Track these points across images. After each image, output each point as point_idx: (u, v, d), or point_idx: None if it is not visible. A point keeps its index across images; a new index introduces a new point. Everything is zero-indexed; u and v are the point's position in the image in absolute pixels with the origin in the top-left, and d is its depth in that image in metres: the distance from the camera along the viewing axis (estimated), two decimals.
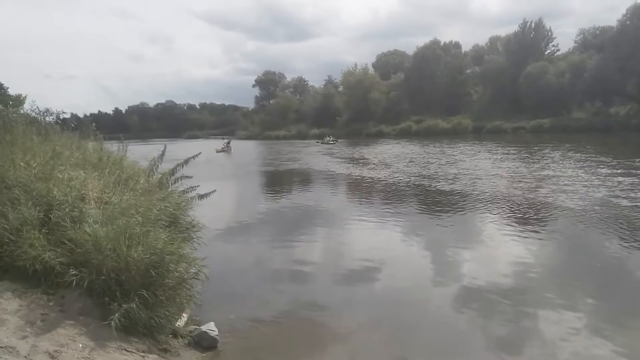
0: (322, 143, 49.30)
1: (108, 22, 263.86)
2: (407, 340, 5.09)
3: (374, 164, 25.05)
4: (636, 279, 6.69)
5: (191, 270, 4.76)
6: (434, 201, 13.49)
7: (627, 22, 46.53)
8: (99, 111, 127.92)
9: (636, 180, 14.38)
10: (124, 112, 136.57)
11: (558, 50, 63.21)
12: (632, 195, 12.13)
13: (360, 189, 17.15)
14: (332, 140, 49.62)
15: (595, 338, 4.91)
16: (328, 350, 4.94)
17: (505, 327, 5.29)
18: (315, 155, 34.44)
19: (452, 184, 15.95)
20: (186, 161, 7.88)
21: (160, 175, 7.35)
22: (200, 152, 8.98)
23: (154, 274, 4.12)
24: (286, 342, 5.12)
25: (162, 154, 7.98)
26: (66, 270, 4.10)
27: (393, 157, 27.86)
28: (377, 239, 9.48)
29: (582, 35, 62.36)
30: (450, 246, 8.68)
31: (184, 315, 4.91)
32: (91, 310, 4.16)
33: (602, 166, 18.35)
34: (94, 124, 8.56)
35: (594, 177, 15.49)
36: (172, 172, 7.57)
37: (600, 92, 48.22)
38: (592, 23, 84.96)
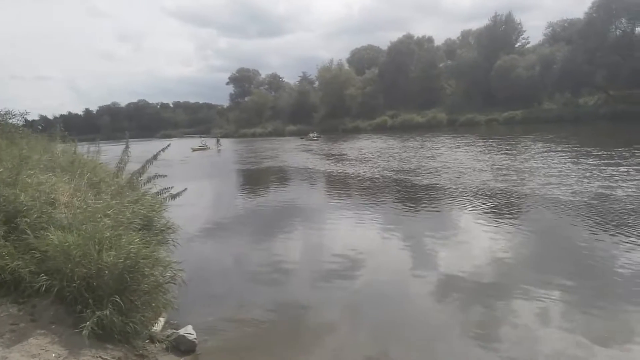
0: (306, 139, 49.71)
1: (79, 21, 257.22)
2: (389, 335, 5.11)
3: (353, 159, 25.12)
4: (608, 265, 6.87)
5: (167, 273, 4.67)
6: (413, 195, 13.60)
7: (594, 15, 47.68)
8: (69, 112, 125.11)
9: (606, 169, 14.80)
10: (94, 112, 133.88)
11: (528, 43, 64.61)
12: (604, 183, 12.45)
13: (340, 185, 17.18)
14: (315, 137, 50.12)
15: (571, 324, 5.04)
16: (310, 348, 4.92)
17: (484, 318, 5.38)
18: (294, 152, 34.36)
19: (430, 177, 16.12)
20: (155, 156, 7.63)
21: (129, 176, 7.15)
22: (170, 144, 8.77)
23: (128, 278, 4.03)
24: (267, 342, 5.08)
25: (126, 148, 7.74)
26: (36, 278, 3.97)
27: (372, 153, 27.98)
28: (357, 235, 9.50)
29: (551, 28, 63.58)
30: (430, 239, 8.78)
31: (161, 319, 4.83)
32: (64, 318, 4.04)
33: (573, 156, 18.84)
34: (61, 125, 8.32)
35: (565, 167, 15.88)
36: (141, 170, 7.35)
37: (570, 83, 49.36)
38: (561, 16, 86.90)
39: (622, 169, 14.46)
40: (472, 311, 5.59)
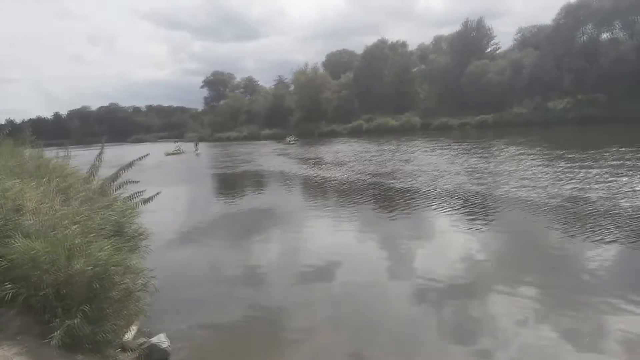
0: (284, 143, 49.97)
1: (48, 23, 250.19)
2: (366, 337, 5.15)
3: (329, 163, 25.21)
4: (578, 264, 7.09)
5: (139, 281, 4.58)
6: (389, 198, 13.72)
7: (562, 21, 49.19)
8: (38, 116, 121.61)
9: (577, 171, 15.25)
10: (64, 116, 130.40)
11: (499, 48, 66.25)
12: (575, 186, 12.82)
13: (317, 189, 17.20)
14: (293, 141, 50.42)
15: (543, 322, 5.19)
16: (287, 353, 4.92)
17: (459, 318, 5.49)
18: (271, 156, 34.23)
19: (406, 181, 16.31)
20: (131, 164, 7.49)
21: (101, 182, 6.98)
22: (149, 153, 8.65)
23: (97, 286, 3.93)
24: (243, 348, 5.04)
25: (100, 153, 7.57)
26: (1, 287, 3.83)
27: (348, 156, 28.12)
28: (334, 239, 9.54)
29: (520, 34, 65.37)
30: (406, 242, 8.90)
31: (133, 328, 4.74)
32: (31, 328, 3.91)
33: (544, 159, 19.38)
34: (29, 129, 8.08)
35: (537, 170, 16.29)
36: (114, 177, 7.19)
37: (539, 87, 50.71)
38: (530, 22, 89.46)
39: (592, 171, 14.92)
40: (448, 311, 5.69)
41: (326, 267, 7.59)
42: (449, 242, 8.82)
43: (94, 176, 7.15)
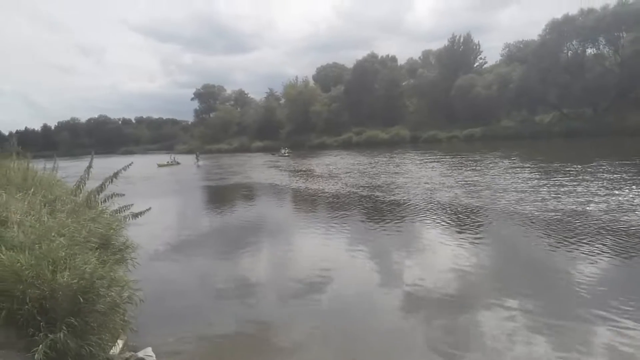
0: (278, 155, 50.45)
1: (36, 34, 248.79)
2: (356, 350, 5.13)
3: (320, 175, 25.24)
4: (566, 277, 7.14)
5: (125, 294, 4.53)
6: (380, 211, 13.72)
7: (547, 37, 50.25)
8: (26, 128, 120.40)
9: (565, 184, 15.47)
10: (53, 128, 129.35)
11: (486, 63, 67.55)
12: (562, 199, 13.00)
13: (307, 201, 17.16)
14: (287, 153, 50.81)
15: (532, 335, 5.21)
16: None
17: (448, 330, 5.49)
18: (262, 168, 34.20)
19: (397, 193, 16.38)
20: (116, 174, 7.41)
21: (87, 193, 6.91)
22: (132, 162, 8.56)
23: (82, 300, 3.88)
24: None
25: (89, 166, 7.50)
26: None
27: (339, 169, 28.20)
28: (324, 251, 9.51)
29: (507, 49, 66.47)
30: (396, 254, 8.92)
31: (119, 341, 4.67)
32: (14, 342, 3.84)
33: (532, 172, 19.64)
34: (15, 140, 8.01)
35: (526, 183, 16.49)
36: (100, 188, 7.11)
37: (526, 101, 51.68)
38: (517, 37, 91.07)
39: (579, 184, 15.14)
40: (437, 324, 5.69)
41: (315, 280, 7.56)
42: (438, 255, 8.84)
43: (81, 188, 7.08)
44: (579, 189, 14.14)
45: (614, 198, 12.31)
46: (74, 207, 5.68)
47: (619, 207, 11.26)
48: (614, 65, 47.02)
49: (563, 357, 4.71)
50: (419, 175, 21.46)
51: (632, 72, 42.54)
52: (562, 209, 11.51)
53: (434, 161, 28.32)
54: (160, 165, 42.61)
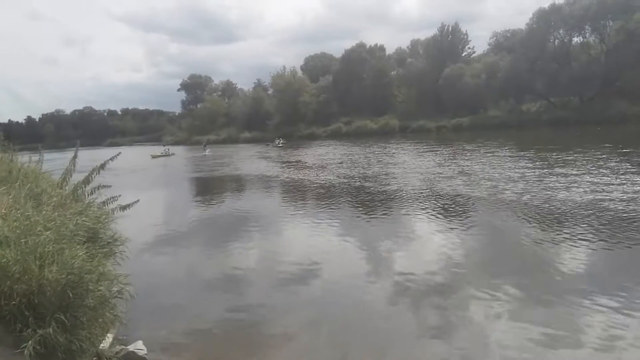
0: (273, 146, 50.53)
1: (18, 25, 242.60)
2: (347, 339, 5.16)
3: (311, 166, 25.20)
4: (552, 264, 7.24)
5: (114, 287, 4.48)
6: (370, 201, 13.77)
7: (534, 25, 50.50)
8: (10, 120, 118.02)
9: (551, 172, 15.63)
10: (37, 120, 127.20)
11: (474, 52, 67.55)
12: (548, 186, 13.15)
13: (298, 192, 17.17)
14: (281, 143, 50.91)
15: (519, 320, 5.28)
16: (267, 357, 4.88)
17: (438, 318, 5.53)
18: (252, 159, 34.03)
19: (387, 183, 16.44)
20: (102, 165, 7.28)
21: (73, 186, 6.79)
22: (120, 152, 8.43)
23: (71, 294, 3.83)
24: (222, 353, 5.00)
25: (74, 157, 7.38)
26: None
27: (330, 159, 28.19)
28: (314, 242, 9.51)
29: (495, 38, 66.63)
30: (386, 244, 8.96)
31: (109, 335, 4.63)
32: (2, 338, 3.79)
33: (518, 160, 19.83)
34: (0, 133, 7.88)
35: (512, 171, 16.63)
36: (86, 180, 6.99)
37: (513, 90, 51.97)
38: (504, 26, 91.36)
39: (564, 172, 15.32)
40: (427, 311, 5.74)
41: (305, 270, 7.57)
42: (428, 244, 8.91)
43: (67, 181, 6.96)
44: (570, 177, 14.30)
45: (600, 185, 12.47)
46: (61, 200, 5.59)
47: (604, 192, 11.41)
48: (600, 54, 47.48)
49: (550, 342, 4.76)
50: (413, 164, 21.52)
51: (618, 61, 43.05)
52: (549, 196, 11.64)
53: (428, 151, 28.42)
54: (154, 157, 42.23)
